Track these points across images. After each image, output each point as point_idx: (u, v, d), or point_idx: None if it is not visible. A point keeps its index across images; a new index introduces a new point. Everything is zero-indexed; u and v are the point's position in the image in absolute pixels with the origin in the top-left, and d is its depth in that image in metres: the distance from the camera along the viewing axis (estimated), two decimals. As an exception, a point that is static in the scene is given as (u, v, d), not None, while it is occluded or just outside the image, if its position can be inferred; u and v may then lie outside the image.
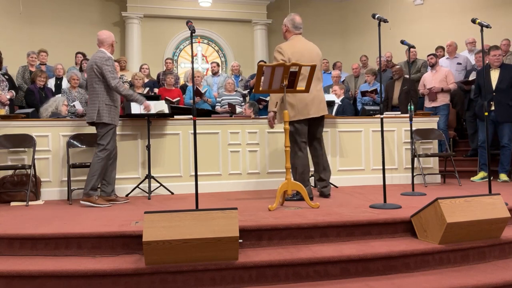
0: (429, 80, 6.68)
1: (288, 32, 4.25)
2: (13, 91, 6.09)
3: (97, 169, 4.18)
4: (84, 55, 7.80)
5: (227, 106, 6.74)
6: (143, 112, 4.70)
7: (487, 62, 5.76)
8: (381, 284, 2.59)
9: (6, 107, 5.73)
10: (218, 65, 8.27)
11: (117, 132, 4.56)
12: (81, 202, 4.16)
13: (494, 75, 5.61)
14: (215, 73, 8.01)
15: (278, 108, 4.11)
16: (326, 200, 4.18)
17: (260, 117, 5.54)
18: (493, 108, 5.55)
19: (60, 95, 6.02)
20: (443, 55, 7.55)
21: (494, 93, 5.51)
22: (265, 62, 7.40)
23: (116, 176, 4.55)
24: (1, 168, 4.43)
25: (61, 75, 7.16)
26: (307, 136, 4.19)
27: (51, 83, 7.02)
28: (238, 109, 6.72)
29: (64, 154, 4.72)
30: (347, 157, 5.46)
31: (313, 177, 5.04)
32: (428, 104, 6.69)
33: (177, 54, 11.49)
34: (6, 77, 6.27)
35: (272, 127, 4.20)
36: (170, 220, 2.57)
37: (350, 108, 6.70)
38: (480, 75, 5.71)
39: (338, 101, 6.48)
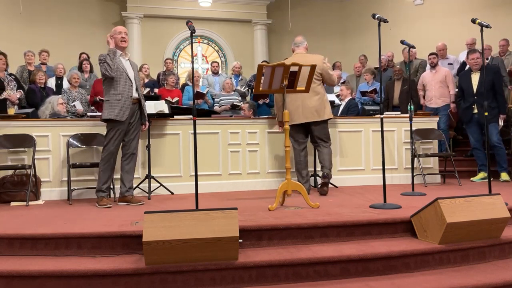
0: (429, 79, 6.68)
1: (293, 50, 4.80)
2: (21, 90, 6.10)
3: (99, 171, 4.18)
4: (88, 56, 7.79)
5: (227, 105, 6.72)
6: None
7: (468, 66, 5.87)
8: (381, 284, 2.59)
9: (15, 107, 5.75)
10: (218, 64, 8.28)
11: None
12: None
13: (475, 78, 5.63)
14: (215, 73, 8.01)
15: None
16: (326, 200, 4.18)
17: (260, 117, 5.54)
18: (476, 111, 5.60)
19: (60, 95, 6.01)
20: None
21: (475, 96, 5.55)
22: (267, 63, 7.40)
23: (115, 176, 4.47)
24: (1, 168, 4.43)
25: (61, 75, 7.16)
26: (299, 137, 4.66)
27: (52, 83, 7.01)
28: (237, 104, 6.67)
29: (64, 154, 4.72)
30: (347, 157, 5.46)
31: (312, 177, 5.08)
32: (428, 104, 6.68)
33: (177, 54, 11.50)
34: (13, 76, 6.28)
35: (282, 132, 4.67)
36: (170, 220, 2.57)
37: (356, 108, 6.57)
38: (462, 79, 5.81)
39: (338, 102, 6.45)
